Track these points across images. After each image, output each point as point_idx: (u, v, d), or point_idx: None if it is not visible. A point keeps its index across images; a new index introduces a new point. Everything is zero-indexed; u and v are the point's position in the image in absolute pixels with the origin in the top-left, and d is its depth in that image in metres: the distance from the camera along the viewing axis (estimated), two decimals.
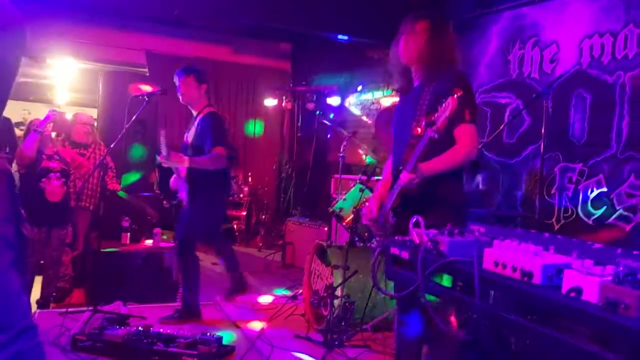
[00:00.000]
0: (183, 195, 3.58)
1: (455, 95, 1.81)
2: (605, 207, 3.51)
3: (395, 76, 2.41)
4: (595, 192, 3.59)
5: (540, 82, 4.07)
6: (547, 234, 1.51)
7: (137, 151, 5.94)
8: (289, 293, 4.39)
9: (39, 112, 6.33)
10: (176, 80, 3.56)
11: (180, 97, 3.57)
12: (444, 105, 1.81)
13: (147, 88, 4.88)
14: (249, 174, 7.12)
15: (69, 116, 5.02)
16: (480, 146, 2.47)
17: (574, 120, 3.80)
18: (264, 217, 6.94)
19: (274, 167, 7.65)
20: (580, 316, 1.02)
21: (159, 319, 3.54)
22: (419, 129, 1.96)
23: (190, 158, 3.41)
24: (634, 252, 1.32)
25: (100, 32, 6.55)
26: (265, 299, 4.27)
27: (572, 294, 1.06)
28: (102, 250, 4.19)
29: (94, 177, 4.68)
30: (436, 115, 1.82)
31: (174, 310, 3.64)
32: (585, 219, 3.64)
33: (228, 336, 3.25)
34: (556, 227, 3.82)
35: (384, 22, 5.02)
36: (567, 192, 3.80)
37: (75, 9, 5.76)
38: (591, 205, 3.63)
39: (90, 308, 3.39)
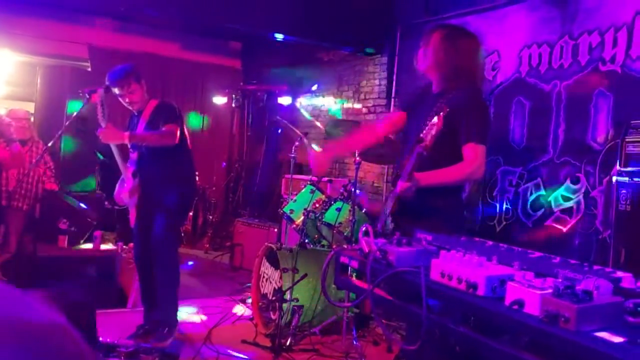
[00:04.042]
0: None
1: (442, 114, 1.82)
2: (543, 209, 3.68)
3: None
4: (534, 194, 3.75)
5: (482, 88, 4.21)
6: (490, 243, 1.56)
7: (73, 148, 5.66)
8: (236, 297, 4.33)
9: None
10: (117, 90, 3.14)
11: (132, 107, 3.25)
12: (429, 123, 1.82)
13: None
14: (196, 172, 6.93)
15: (1, 111, 4.72)
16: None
17: (514, 125, 3.96)
18: (211, 217, 6.77)
19: (223, 166, 7.51)
20: (523, 328, 1.05)
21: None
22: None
23: (131, 133, 3.09)
24: (571, 262, 1.38)
25: (39, 23, 6.19)
26: (211, 303, 4.19)
27: (515, 307, 1.09)
28: (37, 254, 3.97)
29: (30, 176, 4.43)
30: (424, 132, 1.83)
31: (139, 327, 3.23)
32: (525, 221, 3.80)
33: (171, 344, 3.16)
34: (498, 229, 3.96)
35: (332, 25, 5.07)
36: (508, 195, 3.95)
37: None
38: (530, 208, 3.80)
39: None
